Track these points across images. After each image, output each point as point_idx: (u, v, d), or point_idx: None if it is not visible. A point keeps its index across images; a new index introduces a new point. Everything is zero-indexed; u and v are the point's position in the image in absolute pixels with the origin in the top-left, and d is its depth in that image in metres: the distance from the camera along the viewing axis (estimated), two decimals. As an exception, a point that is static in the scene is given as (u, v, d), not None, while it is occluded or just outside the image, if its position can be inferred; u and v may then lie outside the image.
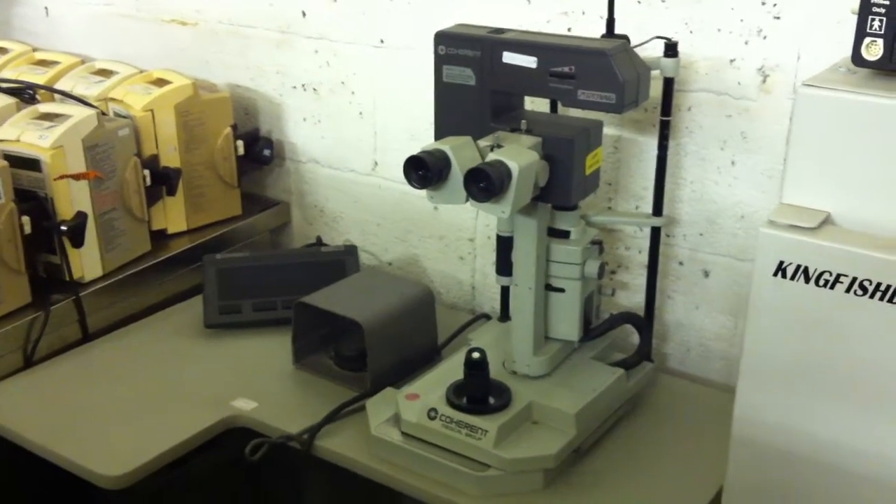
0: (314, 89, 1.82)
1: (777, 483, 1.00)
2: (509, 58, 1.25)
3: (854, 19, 0.95)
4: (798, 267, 0.89)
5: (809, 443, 0.97)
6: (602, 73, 1.20)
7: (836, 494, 0.99)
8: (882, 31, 0.91)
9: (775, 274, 0.91)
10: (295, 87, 1.84)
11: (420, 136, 1.66)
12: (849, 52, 0.96)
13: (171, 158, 1.73)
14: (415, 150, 1.18)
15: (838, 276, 0.89)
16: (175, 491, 1.45)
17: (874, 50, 0.93)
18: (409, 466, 1.28)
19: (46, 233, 1.53)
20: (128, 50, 1.97)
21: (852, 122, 0.92)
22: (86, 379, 1.49)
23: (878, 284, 0.87)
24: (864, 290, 0.88)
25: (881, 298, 0.87)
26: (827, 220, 0.93)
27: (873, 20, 0.92)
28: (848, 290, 0.89)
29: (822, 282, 0.89)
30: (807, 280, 0.89)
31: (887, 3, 0.90)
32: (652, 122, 1.44)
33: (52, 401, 1.43)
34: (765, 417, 0.97)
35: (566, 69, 1.22)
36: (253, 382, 1.47)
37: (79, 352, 1.56)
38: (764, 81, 1.36)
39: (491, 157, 1.18)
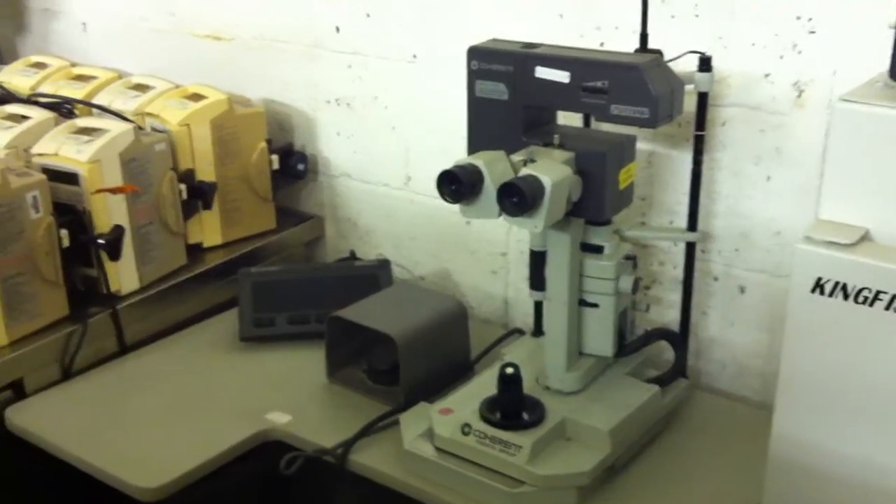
0: (347, 104, 1.83)
1: (815, 502, 0.99)
2: (542, 72, 1.25)
3: (891, 33, 0.95)
4: (836, 284, 0.88)
5: (848, 463, 0.95)
6: (635, 87, 1.20)
7: (875, 515, 0.98)
8: (920, 46, 0.90)
9: (813, 291, 0.90)
10: (328, 102, 1.85)
11: (453, 150, 1.65)
12: (885, 66, 0.95)
13: (206, 173, 1.75)
14: (447, 165, 1.19)
15: (878, 293, 0.88)
16: (208, 503, 1.46)
17: (912, 65, 0.92)
18: (443, 482, 1.27)
19: (84, 246, 1.54)
20: (163, 64, 2.00)
21: (890, 137, 0.91)
22: (122, 391, 1.50)
23: (918, 302, 0.86)
24: (904, 307, 0.87)
25: (921, 316, 0.86)
26: (865, 237, 0.92)
27: (911, 35, 0.91)
28: (888, 308, 0.87)
29: (860, 299, 0.88)
30: (845, 297, 0.88)
31: (926, 17, 0.90)
32: (686, 136, 1.43)
33: (89, 412, 1.45)
34: (802, 436, 0.96)
35: (599, 84, 1.22)
36: (287, 396, 1.48)
37: (115, 364, 1.58)
38: (799, 96, 1.35)
39: (524, 171, 1.18)
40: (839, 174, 0.93)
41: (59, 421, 1.42)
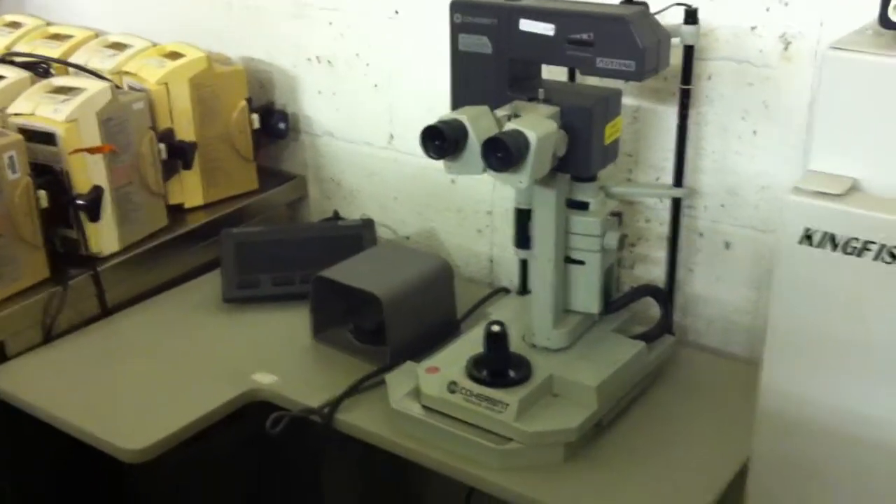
0: (328, 61, 1.80)
1: (804, 455, 0.99)
2: (526, 25, 1.23)
3: (880, -18, 0.93)
4: (825, 234, 0.88)
5: (836, 415, 0.95)
6: (621, 39, 1.18)
7: (863, 467, 0.98)
8: (911, -7, 0.89)
9: (801, 242, 0.89)
10: (310, 60, 1.82)
11: (436, 107, 1.64)
12: (871, 17, 0.94)
13: (186, 132, 1.72)
14: (431, 122, 1.17)
15: (866, 243, 0.87)
16: (196, 464, 1.46)
17: (903, 12, 0.90)
18: (430, 440, 1.27)
19: (63, 207, 1.52)
20: (141, 23, 1.96)
21: (880, 86, 0.90)
22: (105, 354, 1.49)
23: (908, 252, 0.86)
24: (893, 256, 0.86)
25: (911, 266, 0.86)
26: (854, 187, 0.91)
27: (902, -19, 0.90)
28: (876, 258, 0.87)
29: (849, 249, 0.87)
30: (833, 248, 0.88)
31: (917, -37, 0.88)
32: (671, 91, 1.42)
33: (73, 376, 1.43)
34: (791, 389, 0.96)
35: (584, 36, 1.20)
36: (272, 356, 1.47)
37: (98, 327, 1.56)
38: (786, 49, 1.34)
39: (508, 126, 1.16)
40: (828, 124, 0.92)
41: (42, 384, 1.41)
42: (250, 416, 1.38)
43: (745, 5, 1.35)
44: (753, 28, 1.35)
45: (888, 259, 0.87)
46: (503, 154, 1.13)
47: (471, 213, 1.72)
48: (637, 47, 1.17)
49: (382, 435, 1.30)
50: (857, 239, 0.87)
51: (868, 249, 0.87)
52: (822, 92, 0.92)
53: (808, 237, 0.89)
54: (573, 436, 1.23)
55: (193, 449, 1.35)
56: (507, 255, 1.69)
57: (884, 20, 0.91)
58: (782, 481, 1.03)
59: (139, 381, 1.42)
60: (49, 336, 1.51)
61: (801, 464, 1.00)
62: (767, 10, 1.34)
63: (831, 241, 0.88)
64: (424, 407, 1.29)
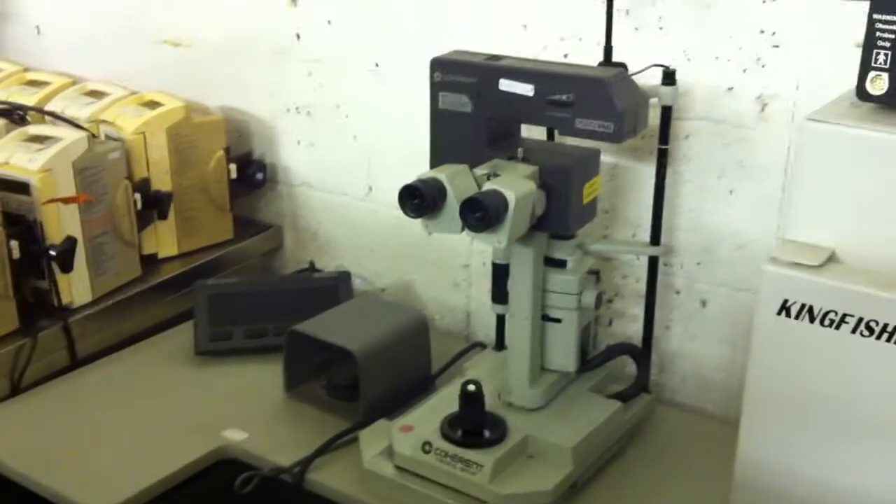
0: (308, 112, 1.80)
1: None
2: (506, 85, 1.24)
3: (856, 51, 0.94)
4: (802, 306, 0.87)
5: (814, 484, 0.95)
6: (600, 101, 1.18)
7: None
8: (888, 66, 0.90)
9: (779, 313, 0.89)
10: (289, 110, 1.82)
11: (415, 161, 1.63)
12: (849, 81, 0.95)
13: (162, 182, 1.71)
14: (410, 177, 1.16)
15: (844, 315, 0.87)
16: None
17: (879, 84, 0.91)
18: (403, 501, 1.25)
19: (35, 257, 1.50)
20: (120, 70, 1.95)
21: (857, 157, 0.90)
22: (74, 407, 1.46)
23: (885, 325, 0.85)
24: (871, 330, 0.86)
25: (888, 339, 0.85)
26: (832, 258, 0.92)
27: (878, 54, 0.91)
28: (854, 331, 0.87)
29: (827, 321, 0.87)
30: (811, 320, 0.88)
31: (892, 37, 0.89)
32: (649, 149, 1.42)
33: (39, 429, 1.40)
34: (768, 459, 0.95)
35: (564, 97, 1.20)
36: (244, 411, 1.45)
37: (67, 378, 1.53)
38: (762, 110, 1.35)
39: (487, 186, 1.16)
40: (805, 193, 0.92)
41: (7, 438, 1.38)
42: (220, 472, 1.35)
43: (722, 66, 1.36)
44: (730, 89, 1.36)
45: (866, 332, 0.87)
46: (482, 214, 1.12)
47: (448, 267, 1.72)
48: (615, 110, 1.17)
49: (354, 496, 1.27)
50: (835, 311, 0.87)
51: (846, 322, 0.87)
52: (799, 161, 0.93)
53: (785, 308, 0.89)
54: (548, 498, 1.22)
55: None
56: (484, 309, 1.68)
57: (861, 92, 0.92)
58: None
59: (107, 435, 1.39)
60: (16, 389, 1.48)
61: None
62: (744, 71, 1.35)
63: (809, 312, 0.88)
64: (397, 467, 1.27)
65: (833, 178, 0.91)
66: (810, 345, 0.89)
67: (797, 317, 0.88)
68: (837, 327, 0.87)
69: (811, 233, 0.92)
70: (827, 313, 0.87)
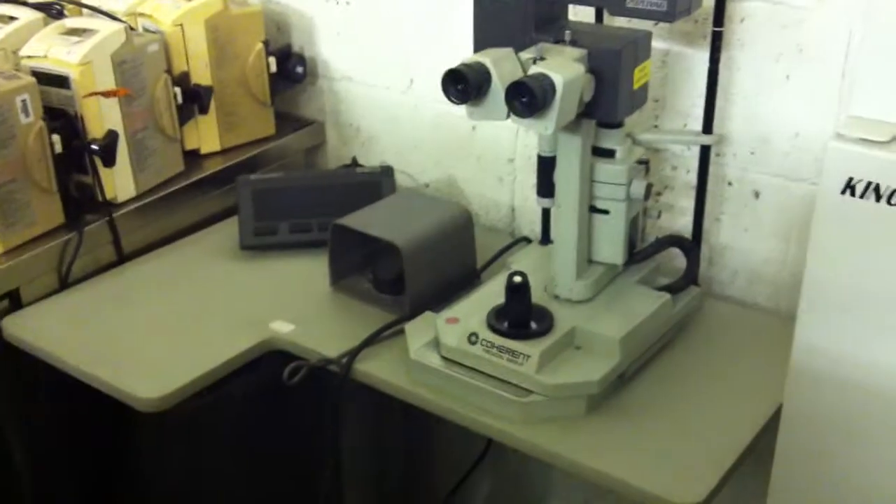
0: (347, 3, 1.75)
1: (837, 411, 0.96)
2: (554, -36, 1.19)
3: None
4: (868, 184, 0.83)
5: (871, 370, 0.92)
6: (653, -21, 1.13)
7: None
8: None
9: (843, 192, 0.85)
10: (328, 1, 1.78)
11: (457, 52, 1.60)
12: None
13: (202, 76, 1.68)
14: (453, 65, 1.13)
15: (912, 194, 0.83)
16: (212, 413, 1.45)
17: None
18: (449, 391, 1.25)
19: (77, 152, 1.49)
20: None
21: (929, 28, 0.85)
22: (122, 301, 1.47)
23: (955, 204, 0.82)
24: (941, 210, 0.82)
25: (957, 218, 0.82)
26: (899, 134, 0.87)
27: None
28: (922, 210, 0.83)
29: (894, 200, 0.83)
30: (878, 198, 0.83)
31: None
32: (702, 34, 1.37)
33: (89, 323, 1.42)
34: (826, 344, 0.93)
35: (615, -25, 1.15)
36: (290, 305, 1.45)
37: (114, 273, 1.54)
38: (823, -10, 1.28)
39: (533, 70, 1.12)
40: (872, 67, 0.87)
41: (57, 331, 1.39)
42: (267, 364, 1.36)
43: (781, -56, 1.29)
44: (789, -32, 1.30)
45: (934, 211, 0.83)
46: (528, 99, 1.09)
47: (492, 161, 1.69)
48: (669, -14, 1.12)
49: (401, 385, 1.28)
50: (903, 189, 0.83)
51: (914, 201, 0.83)
52: (867, 33, 0.88)
53: (850, 187, 0.85)
54: (595, 388, 1.21)
55: (209, 397, 1.33)
56: (529, 204, 1.66)
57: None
58: (814, 436, 1.00)
59: (155, 328, 1.41)
60: (64, 283, 1.49)
61: (833, 419, 0.98)
62: (805, -51, 1.28)
63: (875, 191, 0.84)
64: (444, 358, 1.27)
65: (902, 51, 0.86)
66: (876, 225, 0.85)
67: (862, 195, 0.84)
68: (904, 206, 0.84)
69: (878, 108, 0.88)
70: (895, 191, 0.83)
